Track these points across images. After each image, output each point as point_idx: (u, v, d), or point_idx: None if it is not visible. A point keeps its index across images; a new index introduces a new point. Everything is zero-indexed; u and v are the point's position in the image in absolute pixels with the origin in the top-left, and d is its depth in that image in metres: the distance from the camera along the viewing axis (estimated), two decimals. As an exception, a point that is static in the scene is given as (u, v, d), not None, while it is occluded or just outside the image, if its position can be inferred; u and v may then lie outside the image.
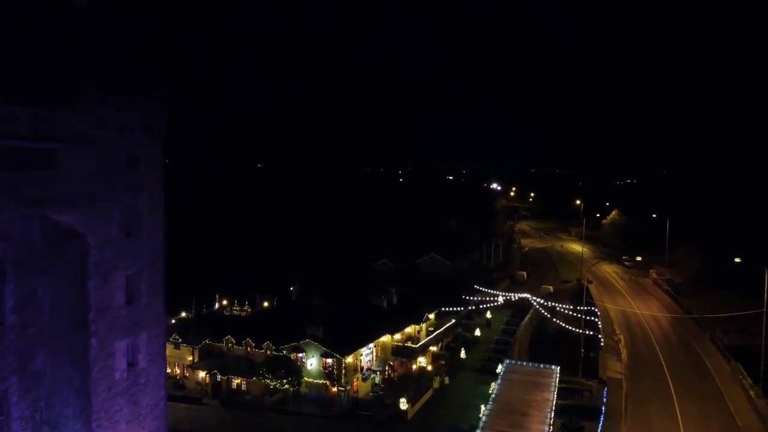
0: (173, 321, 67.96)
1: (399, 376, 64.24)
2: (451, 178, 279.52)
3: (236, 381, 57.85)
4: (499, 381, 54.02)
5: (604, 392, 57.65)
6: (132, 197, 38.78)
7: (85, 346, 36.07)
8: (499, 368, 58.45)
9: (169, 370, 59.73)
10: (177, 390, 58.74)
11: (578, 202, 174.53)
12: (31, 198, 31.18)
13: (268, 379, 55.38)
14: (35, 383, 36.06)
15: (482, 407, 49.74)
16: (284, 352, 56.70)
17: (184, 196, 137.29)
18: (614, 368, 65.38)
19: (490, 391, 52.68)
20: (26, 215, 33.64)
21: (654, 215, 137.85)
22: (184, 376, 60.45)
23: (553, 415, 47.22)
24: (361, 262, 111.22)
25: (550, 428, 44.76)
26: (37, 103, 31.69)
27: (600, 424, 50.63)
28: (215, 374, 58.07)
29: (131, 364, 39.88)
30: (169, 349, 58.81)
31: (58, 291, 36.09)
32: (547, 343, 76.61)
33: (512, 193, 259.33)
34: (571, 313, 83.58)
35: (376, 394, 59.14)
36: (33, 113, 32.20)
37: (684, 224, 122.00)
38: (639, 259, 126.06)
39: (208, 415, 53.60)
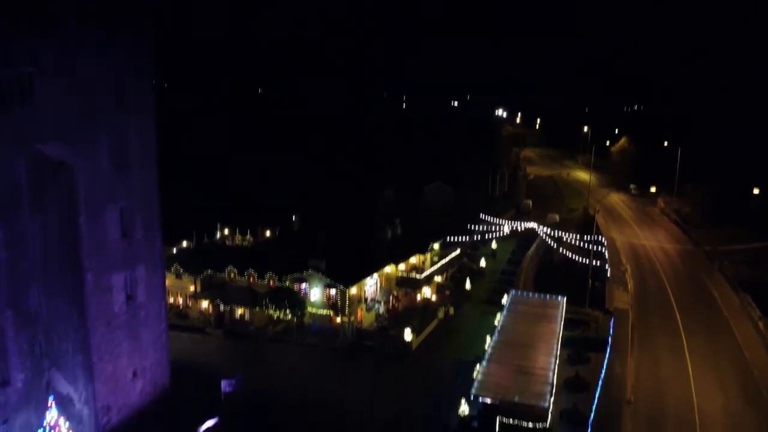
0: (174, 251, 66.88)
1: (403, 307, 63.83)
2: (456, 104, 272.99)
3: (239, 311, 57.41)
4: (504, 312, 53.37)
5: (611, 323, 57.20)
6: (121, 129, 36.74)
7: (80, 281, 35.04)
8: (505, 299, 57.81)
9: (171, 300, 59.22)
10: (180, 320, 58.42)
11: (586, 129, 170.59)
12: (12, 131, 29.23)
13: (271, 309, 54.85)
14: (31, 318, 35.20)
15: (488, 339, 49.26)
16: (287, 283, 55.88)
17: (182, 126, 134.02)
18: (621, 299, 64.85)
19: (496, 323, 52.13)
20: (10, 148, 31.67)
21: (665, 143, 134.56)
22: (187, 306, 59.99)
23: (559, 347, 46.74)
24: (365, 190, 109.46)
25: (556, 360, 44.29)
26: (13, 28, 29.10)
27: (606, 356, 50.29)
28: (218, 304, 57.55)
29: (130, 298, 39.02)
30: (171, 278, 58.06)
31: (49, 226, 34.69)
32: (552, 274, 75.92)
33: (518, 120, 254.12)
34: (577, 242, 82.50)
35: (380, 325, 58.79)
36: (9, 40, 29.77)
37: (696, 154, 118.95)
38: (653, 190, 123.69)
39: (212, 345, 53.41)
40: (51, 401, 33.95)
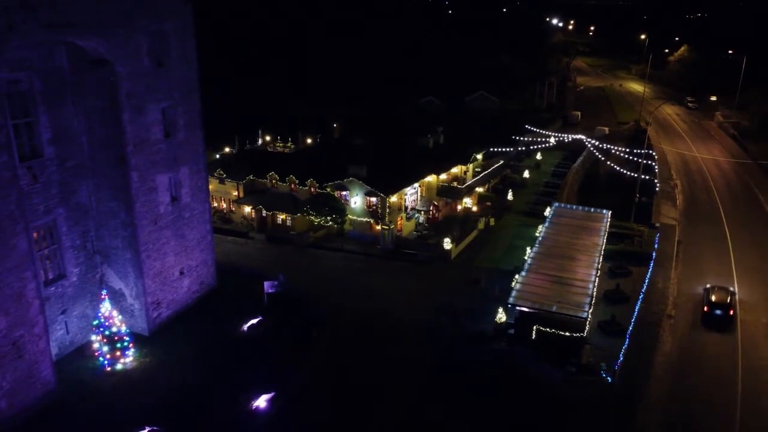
0: (217, 156, 67.60)
1: (443, 217, 63.65)
2: (505, 10, 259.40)
3: (281, 217, 58.25)
4: (546, 224, 52.60)
5: (656, 238, 55.92)
6: (158, 23, 35.93)
7: (126, 181, 35.62)
8: (548, 211, 56.84)
9: (215, 205, 60.45)
10: (224, 224, 59.80)
11: (643, 36, 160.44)
12: (47, 20, 28.68)
13: (312, 215, 55.40)
14: (82, 215, 36.32)
15: (528, 250, 48.88)
16: (328, 189, 56.02)
17: (221, 24, 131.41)
18: (669, 214, 63.07)
19: (537, 234, 51.53)
20: (46, 41, 31.39)
21: (730, 52, 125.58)
22: (231, 211, 61.19)
23: (601, 260, 46.06)
24: (407, 99, 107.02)
25: (597, 272, 43.77)
26: None
27: (649, 270, 49.51)
28: (260, 209, 58.43)
29: (174, 199, 39.69)
30: (214, 183, 58.96)
31: (93, 125, 34.93)
32: (598, 188, 73.98)
33: (570, 27, 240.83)
34: (626, 156, 79.66)
35: (419, 234, 59.00)
36: None
37: (761, 63, 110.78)
38: (714, 98, 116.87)
39: (255, 249, 54.70)
40: (104, 294, 35.63)
